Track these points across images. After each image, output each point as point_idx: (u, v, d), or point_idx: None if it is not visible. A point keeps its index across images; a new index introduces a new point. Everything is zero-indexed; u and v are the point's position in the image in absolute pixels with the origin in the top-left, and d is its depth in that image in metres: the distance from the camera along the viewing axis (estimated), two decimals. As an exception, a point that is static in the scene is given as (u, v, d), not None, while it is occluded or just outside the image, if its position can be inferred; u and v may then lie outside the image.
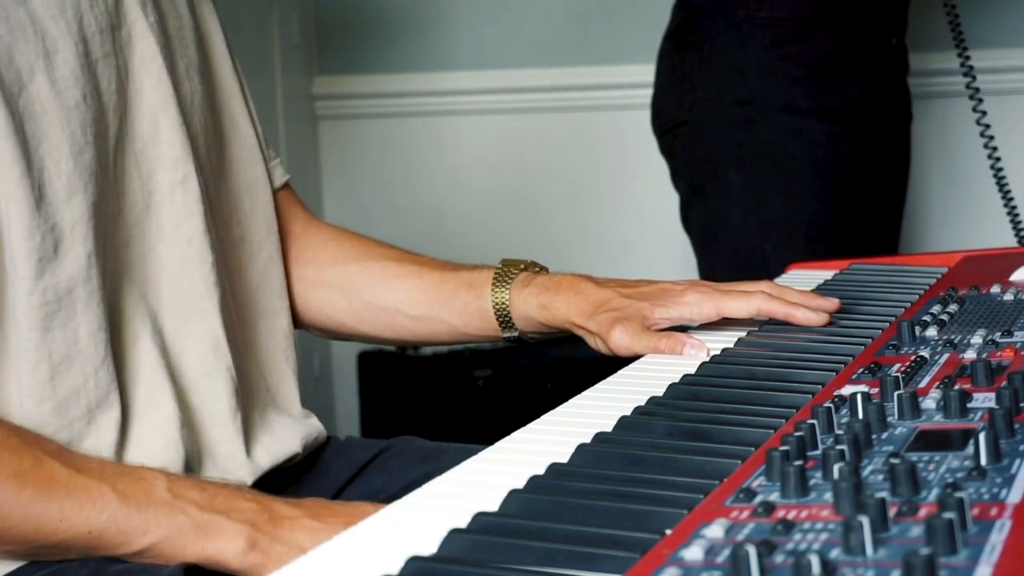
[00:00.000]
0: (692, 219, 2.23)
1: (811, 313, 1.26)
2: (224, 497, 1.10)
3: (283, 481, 1.34)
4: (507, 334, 1.39)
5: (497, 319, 1.37)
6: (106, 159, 1.17)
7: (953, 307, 1.28)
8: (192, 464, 1.23)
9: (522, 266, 1.38)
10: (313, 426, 1.36)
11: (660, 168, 2.36)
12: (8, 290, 1.11)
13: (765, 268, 2.00)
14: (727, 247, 2.15)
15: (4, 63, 1.10)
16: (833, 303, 1.28)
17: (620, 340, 1.27)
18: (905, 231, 2.37)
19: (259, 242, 1.36)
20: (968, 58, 2.16)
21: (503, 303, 1.36)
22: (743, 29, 2.11)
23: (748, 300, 1.27)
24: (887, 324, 1.25)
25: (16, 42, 1.11)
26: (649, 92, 2.35)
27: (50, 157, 1.12)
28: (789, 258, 1.88)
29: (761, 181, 2.12)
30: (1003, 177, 2.17)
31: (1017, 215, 2.19)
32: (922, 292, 1.41)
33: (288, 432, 1.32)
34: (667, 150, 2.26)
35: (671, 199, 2.34)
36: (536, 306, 1.34)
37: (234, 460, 1.27)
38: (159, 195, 1.22)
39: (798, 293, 1.30)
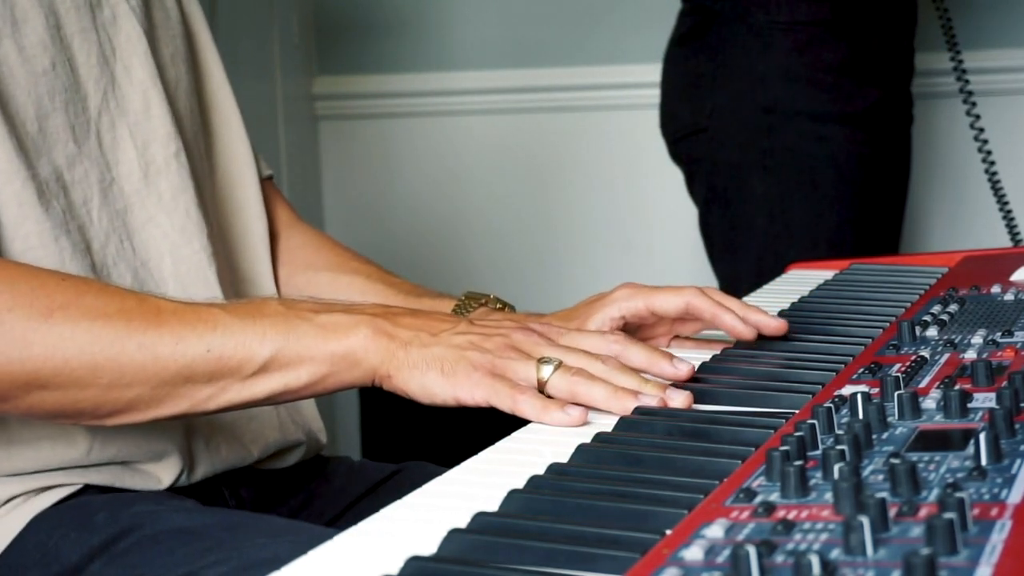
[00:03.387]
0: (712, 226, 2.21)
1: (739, 323, 1.18)
2: (340, 303, 1.10)
3: (292, 490, 1.34)
4: None
5: None
6: (84, 127, 1.21)
7: (953, 307, 1.28)
8: (190, 437, 1.22)
9: (483, 300, 1.35)
10: (313, 415, 1.35)
11: (660, 168, 2.36)
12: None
13: None
14: (751, 255, 2.14)
15: None
16: (779, 325, 1.20)
17: None
18: (903, 233, 2.37)
19: (250, 230, 1.39)
20: (961, 61, 2.16)
21: None
22: (763, 34, 2.10)
23: (679, 294, 1.21)
24: (887, 324, 1.25)
25: None
26: (650, 92, 2.34)
27: (18, 116, 1.16)
28: None
29: (785, 188, 2.11)
30: (997, 178, 2.17)
31: (1012, 216, 2.19)
32: (922, 292, 1.41)
33: (284, 415, 1.31)
34: (682, 157, 2.24)
35: (672, 199, 2.34)
36: None
37: (236, 428, 1.26)
38: (156, 166, 1.26)
39: (738, 303, 1.22)
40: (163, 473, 1.20)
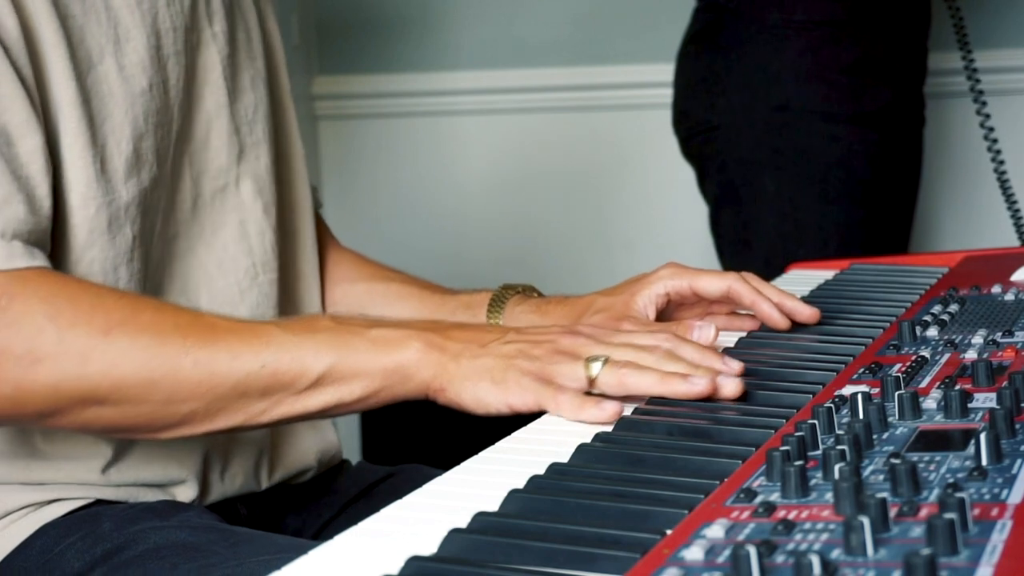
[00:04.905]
0: (722, 224, 2.21)
1: (775, 312, 1.24)
2: (389, 319, 1.11)
3: (288, 493, 1.34)
4: None
5: None
6: (165, 151, 1.20)
7: (954, 307, 1.28)
8: (207, 466, 1.23)
9: (519, 289, 1.38)
10: (330, 440, 1.36)
11: (661, 167, 2.36)
12: (64, 255, 1.13)
13: None
14: (760, 253, 2.13)
15: (76, 42, 1.13)
16: (812, 313, 1.25)
17: None
18: (913, 233, 2.37)
19: (305, 258, 1.38)
20: (972, 60, 2.15)
21: (497, 323, 1.35)
22: (777, 33, 2.10)
23: (722, 278, 1.26)
24: (888, 324, 1.25)
25: (88, 24, 1.14)
26: (651, 92, 2.34)
27: (112, 137, 1.14)
28: None
29: (796, 186, 2.11)
30: (1006, 177, 2.17)
31: (1020, 215, 2.19)
32: (923, 292, 1.41)
33: (307, 442, 1.33)
34: (694, 154, 2.24)
35: (671, 198, 2.33)
36: (527, 324, 1.32)
37: (251, 460, 1.26)
38: (203, 199, 1.25)
39: (777, 292, 1.26)
40: (178, 496, 1.21)
